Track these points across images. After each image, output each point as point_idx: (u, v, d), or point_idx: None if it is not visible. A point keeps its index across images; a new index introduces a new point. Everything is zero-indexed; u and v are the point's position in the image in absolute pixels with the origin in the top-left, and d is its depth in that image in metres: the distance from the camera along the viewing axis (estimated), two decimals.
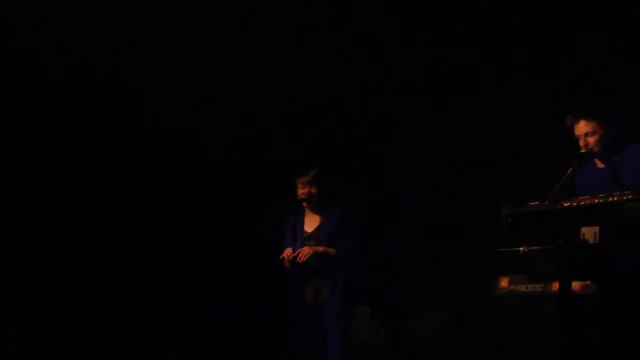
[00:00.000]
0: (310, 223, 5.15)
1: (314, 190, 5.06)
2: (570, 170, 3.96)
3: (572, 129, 4.20)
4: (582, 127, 4.10)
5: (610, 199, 3.45)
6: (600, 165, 4.21)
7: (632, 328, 3.61)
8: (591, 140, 4.08)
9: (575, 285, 3.67)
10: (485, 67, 5.94)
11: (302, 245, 4.96)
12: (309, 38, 5.95)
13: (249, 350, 6.32)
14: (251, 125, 6.57)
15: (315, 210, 5.14)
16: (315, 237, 5.05)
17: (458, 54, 5.91)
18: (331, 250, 4.96)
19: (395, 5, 5.71)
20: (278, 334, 5.78)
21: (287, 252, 4.94)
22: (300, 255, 4.87)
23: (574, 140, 4.20)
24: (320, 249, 4.95)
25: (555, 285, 3.72)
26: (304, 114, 6.53)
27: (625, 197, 3.39)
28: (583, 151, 4.10)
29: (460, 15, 5.69)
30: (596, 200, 3.51)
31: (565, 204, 3.61)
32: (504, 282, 3.96)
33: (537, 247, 3.60)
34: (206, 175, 6.66)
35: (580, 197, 3.65)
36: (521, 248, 3.64)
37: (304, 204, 5.11)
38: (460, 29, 5.77)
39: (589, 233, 3.47)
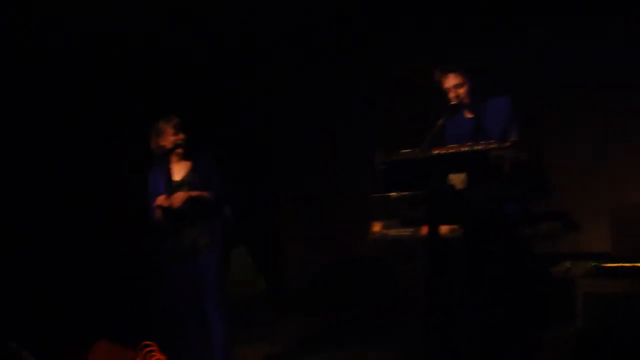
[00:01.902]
0: (179, 170, 5.02)
1: (182, 137, 4.93)
2: (440, 120, 4.13)
3: (440, 82, 4.37)
4: (451, 80, 4.28)
5: (477, 147, 3.63)
6: (468, 115, 4.41)
7: (493, 269, 3.85)
8: (461, 92, 4.27)
9: (443, 229, 3.85)
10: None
11: (173, 193, 4.85)
12: None
13: (121, 301, 6.24)
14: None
15: (184, 157, 5.01)
16: (187, 183, 4.94)
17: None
18: (205, 194, 4.90)
19: None
20: (150, 284, 5.72)
21: (161, 199, 4.84)
22: (174, 200, 4.80)
23: (441, 90, 4.38)
24: (194, 193, 4.87)
25: (424, 229, 3.88)
26: (164, 60, 6.42)
27: (490, 146, 3.58)
28: (454, 102, 4.28)
29: None
30: (463, 149, 3.68)
31: (435, 152, 3.76)
32: (376, 227, 4.09)
33: (407, 193, 3.76)
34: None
35: (449, 146, 3.82)
36: (393, 194, 3.79)
37: (176, 150, 4.95)
38: None
39: (457, 179, 3.64)
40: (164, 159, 5.01)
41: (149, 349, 5.04)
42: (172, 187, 4.91)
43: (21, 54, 6.08)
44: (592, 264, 4.08)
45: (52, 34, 6.03)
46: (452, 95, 4.30)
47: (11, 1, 5.49)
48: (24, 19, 5.77)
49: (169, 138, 4.95)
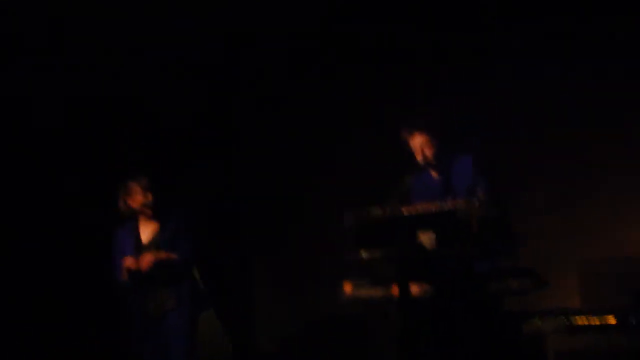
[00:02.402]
0: (146, 231, 4.98)
1: (150, 197, 4.91)
2: (407, 178, 4.18)
3: (406, 141, 4.42)
4: (417, 140, 4.34)
5: (445, 206, 3.67)
6: (434, 174, 4.46)
7: (464, 327, 3.85)
8: (428, 152, 4.32)
9: (413, 287, 3.86)
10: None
11: (141, 254, 4.81)
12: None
13: None
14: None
15: (152, 218, 4.98)
16: (154, 245, 4.90)
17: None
18: (173, 256, 4.84)
19: None
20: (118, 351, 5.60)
21: (129, 261, 4.77)
22: (142, 262, 4.75)
23: (408, 149, 4.43)
24: (163, 254, 4.83)
25: (396, 289, 3.89)
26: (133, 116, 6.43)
27: (458, 205, 3.63)
28: (421, 162, 4.33)
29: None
30: (432, 208, 3.72)
31: (404, 211, 3.79)
32: (347, 287, 4.08)
33: (377, 252, 3.77)
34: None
35: (417, 205, 3.85)
36: (363, 253, 3.80)
37: (144, 211, 4.92)
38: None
39: (426, 238, 3.67)
40: (131, 219, 4.95)
41: None
42: (140, 249, 4.86)
43: None
44: (562, 319, 4.10)
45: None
46: (419, 155, 4.35)
47: None
48: None
49: (138, 198, 4.92)
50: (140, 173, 4.99)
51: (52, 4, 5.34)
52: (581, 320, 4.08)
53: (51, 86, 6.09)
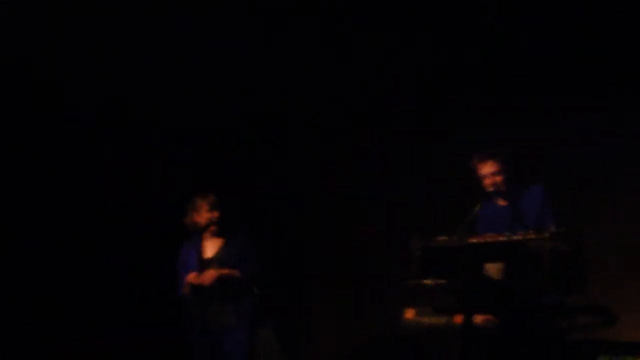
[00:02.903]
0: (210, 247, 5.03)
1: (216, 214, 4.98)
2: (476, 207, 4.12)
3: (476, 168, 4.37)
4: (489, 167, 4.27)
5: (514, 237, 3.62)
6: (501, 203, 4.39)
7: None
8: (498, 179, 4.26)
9: (478, 318, 3.80)
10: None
11: (205, 270, 4.84)
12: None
13: None
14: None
15: (217, 235, 5.04)
16: (217, 261, 4.94)
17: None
18: (236, 273, 4.88)
19: None
20: None
21: (192, 277, 4.83)
22: (205, 278, 4.79)
23: (477, 178, 4.38)
24: (225, 271, 4.86)
25: (459, 318, 3.84)
26: (203, 136, 6.50)
27: (528, 237, 3.57)
28: (490, 190, 4.27)
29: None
30: (501, 238, 3.67)
31: (472, 240, 3.74)
32: (409, 314, 4.05)
33: (442, 281, 3.73)
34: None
35: (486, 235, 3.80)
36: (427, 281, 3.76)
37: (210, 228, 4.98)
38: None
39: (493, 269, 3.62)
40: (197, 235, 5.02)
41: None
42: (204, 264, 4.90)
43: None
44: (629, 358, 4.00)
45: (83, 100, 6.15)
46: (488, 182, 4.28)
47: None
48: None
49: (204, 215, 4.98)
50: (208, 190, 5.05)
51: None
52: None
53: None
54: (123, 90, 6.04)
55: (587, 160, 5.53)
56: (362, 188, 6.39)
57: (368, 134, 6.41)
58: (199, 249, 4.96)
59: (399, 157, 6.20)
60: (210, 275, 4.81)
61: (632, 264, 5.34)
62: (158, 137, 6.48)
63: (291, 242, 6.73)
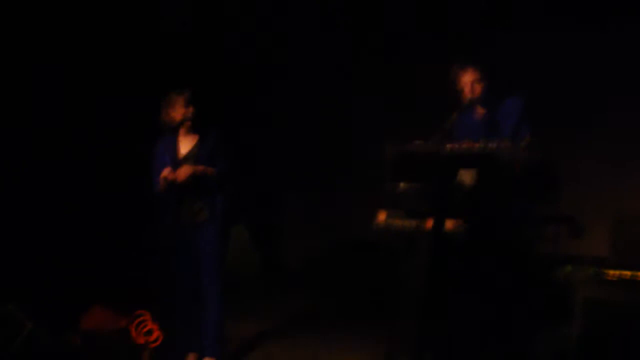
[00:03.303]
0: (185, 144, 4.99)
1: (191, 110, 4.91)
2: (454, 114, 4.12)
3: (457, 77, 4.35)
4: (469, 75, 4.25)
5: (489, 145, 3.63)
6: (480, 113, 4.39)
7: (495, 267, 3.87)
8: (477, 87, 4.25)
9: (448, 223, 3.85)
10: None
11: (179, 166, 4.84)
12: None
13: (124, 273, 6.23)
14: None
15: (191, 131, 4.99)
16: (192, 157, 4.92)
17: None
18: (210, 169, 4.88)
19: None
20: (152, 257, 5.71)
21: (167, 172, 4.79)
22: (179, 173, 4.78)
23: (457, 86, 4.36)
24: (200, 168, 4.85)
25: (429, 223, 3.89)
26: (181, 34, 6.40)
27: (503, 145, 3.58)
28: (469, 97, 4.27)
29: None
30: (476, 145, 3.68)
31: (447, 146, 3.75)
32: (381, 216, 4.09)
33: (416, 185, 3.76)
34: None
35: (461, 142, 3.80)
36: (401, 184, 3.79)
37: (185, 124, 4.93)
38: None
39: (466, 175, 3.65)
40: (172, 132, 4.99)
41: (142, 317, 5.07)
42: (179, 161, 4.89)
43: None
44: (593, 269, 4.10)
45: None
46: (467, 90, 4.28)
47: None
48: None
49: (179, 110, 4.92)
50: (184, 86, 4.98)
51: None
52: (613, 273, 4.07)
53: None
54: None
55: (568, 75, 5.53)
56: (339, 90, 6.35)
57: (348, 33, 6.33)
58: (174, 146, 4.95)
59: (376, 58, 6.14)
60: (184, 171, 4.80)
61: (605, 177, 5.41)
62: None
63: (265, 140, 6.71)
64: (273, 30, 6.65)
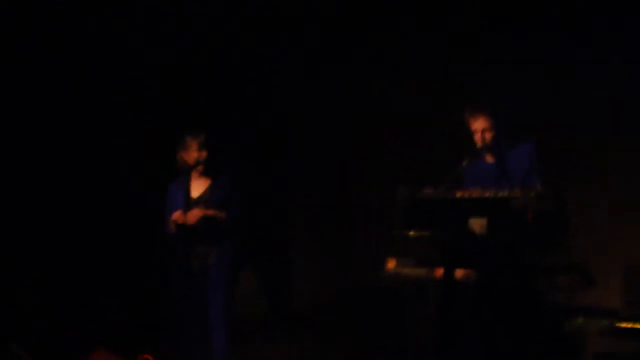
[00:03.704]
0: (197, 187, 5.01)
1: (204, 154, 4.93)
2: (464, 162, 4.11)
3: (467, 122, 4.35)
4: (480, 123, 4.25)
5: (500, 193, 3.62)
6: (489, 160, 4.38)
7: (505, 318, 3.82)
8: (488, 135, 4.24)
9: (458, 272, 3.82)
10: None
11: (190, 209, 4.84)
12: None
13: (134, 315, 6.19)
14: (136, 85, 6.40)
15: (204, 174, 5.01)
16: (204, 201, 4.94)
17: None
18: (221, 214, 4.88)
19: None
20: (161, 299, 5.67)
21: (177, 215, 4.82)
22: (190, 216, 4.79)
23: (468, 133, 4.35)
24: (210, 212, 4.86)
25: (439, 271, 3.85)
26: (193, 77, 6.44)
27: (513, 194, 3.57)
28: (480, 146, 4.25)
29: None
30: (486, 194, 3.67)
31: (458, 194, 3.74)
32: (390, 264, 4.06)
33: (426, 233, 3.74)
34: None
35: (472, 189, 3.79)
36: (411, 232, 3.77)
37: (198, 167, 4.94)
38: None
39: (477, 224, 3.62)
40: (185, 174, 4.99)
41: None
42: (190, 204, 4.90)
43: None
44: (605, 322, 4.04)
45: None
46: (478, 138, 4.27)
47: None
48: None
49: (193, 154, 4.95)
50: (199, 129, 5.00)
51: None
52: (625, 325, 4.01)
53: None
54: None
55: (579, 121, 5.50)
56: (351, 134, 6.35)
57: (356, 75, 6.35)
58: (186, 188, 4.96)
59: (393, 103, 6.14)
60: (194, 214, 4.81)
61: (617, 225, 5.35)
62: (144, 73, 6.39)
63: (275, 186, 6.72)
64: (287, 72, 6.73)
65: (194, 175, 5.01)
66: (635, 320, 4.02)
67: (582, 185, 5.50)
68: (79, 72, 6.17)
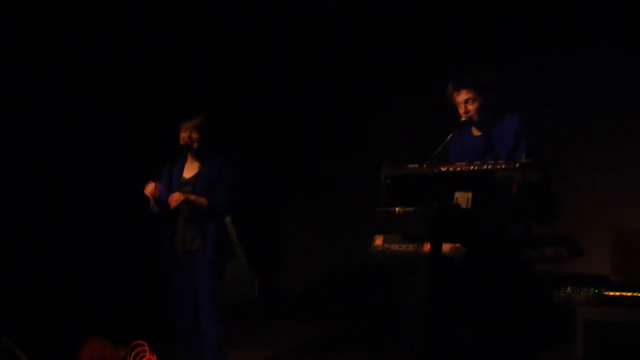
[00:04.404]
0: (190, 169, 5.03)
1: (195, 136, 4.93)
2: (449, 136, 4.09)
3: (452, 97, 4.30)
4: (463, 95, 4.20)
5: (485, 166, 3.59)
6: (476, 133, 4.35)
7: (494, 290, 3.82)
8: (471, 108, 4.20)
9: (445, 246, 3.81)
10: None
11: (178, 190, 4.86)
12: None
13: (122, 303, 6.20)
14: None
15: (196, 157, 5.01)
16: (192, 184, 4.94)
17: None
18: (203, 200, 4.87)
19: None
20: (149, 281, 5.68)
21: (151, 187, 4.81)
22: (171, 199, 4.78)
23: (452, 107, 4.33)
24: (192, 197, 4.85)
25: (427, 246, 3.84)
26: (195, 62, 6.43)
27: (498, 166, 3.55)
28: (463, 119, 4.23)
29: None
30: (471, 167, 3.64)
31: (442, 169, 3.72)
32: (378, 241, 4.04)
33: (412, 208, 3.72)
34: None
35: (457, 163, 3.77)
36: (397, 208, 3.75)
37: (192, 150, 4.95)
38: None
39: (462, 198, 3.60)
40: (182, 156, 5.05)
41: (140, 348, 5.03)
42: (181, 184, 4.94)
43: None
44: (593, 290, 4.04)
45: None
46: (462, 110, 4.24)
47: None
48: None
49: (183, 134, 4.97)
50: (198, 112, 5.02)
51: None
52: (612, 293, 4.01)
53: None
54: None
55: (567, 94, 5.50)
56: (335, 116, 6.35)
57: (340, 64, 6.34)
58: (181, 169, 5.02)
59: (377, 84, 6.13)
60: (176, 197, 4.81)
61: (600, 197, 5.37)
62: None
63: (263, 170, 6.71)
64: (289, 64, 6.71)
65: (189, 157, 5.04)
66: (622, 289, 4.03)
67: (570, 154, 5.51)
68: (78, 72, 6.18)
